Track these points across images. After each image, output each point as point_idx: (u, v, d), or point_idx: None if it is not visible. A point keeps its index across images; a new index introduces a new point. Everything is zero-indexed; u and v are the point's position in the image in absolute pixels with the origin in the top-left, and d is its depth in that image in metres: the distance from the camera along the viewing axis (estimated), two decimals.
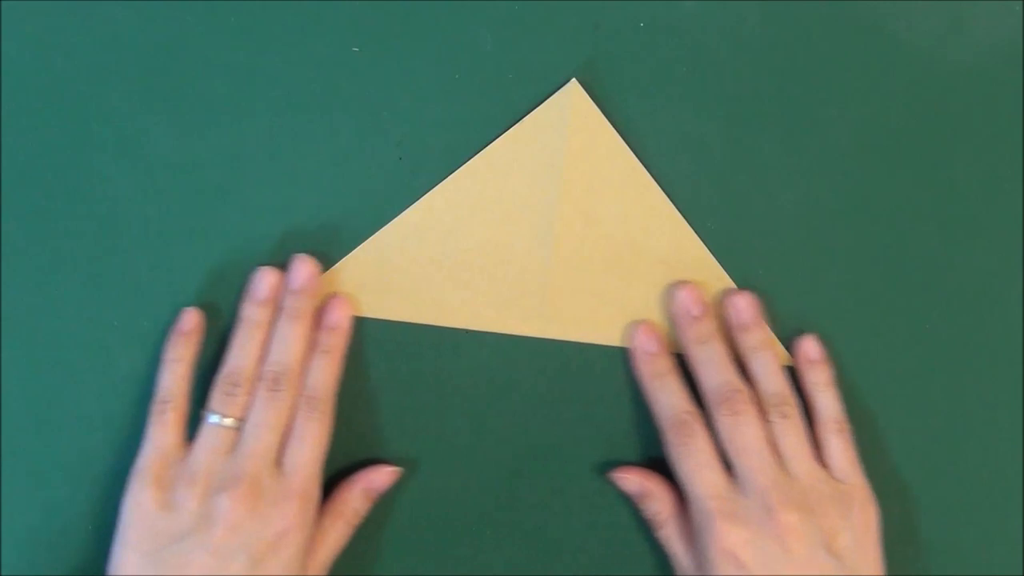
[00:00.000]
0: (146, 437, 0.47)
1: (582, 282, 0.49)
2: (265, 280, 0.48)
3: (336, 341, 0.49)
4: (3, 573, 0.49)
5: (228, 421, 0.46)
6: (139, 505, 0.45)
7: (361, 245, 0.49)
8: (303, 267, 0.48)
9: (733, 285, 0.50)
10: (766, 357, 0.48)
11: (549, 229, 0.48)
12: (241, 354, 0.48)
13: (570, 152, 0.47)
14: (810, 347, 0.49)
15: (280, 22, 0.50)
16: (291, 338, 0.48)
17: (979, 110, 0.51)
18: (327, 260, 0.50)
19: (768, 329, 0.49)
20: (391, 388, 0.50)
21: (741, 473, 0.46)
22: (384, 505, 0.50)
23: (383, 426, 0.50)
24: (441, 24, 0.50)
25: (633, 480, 0.49)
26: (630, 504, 0.50)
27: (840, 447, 0.48)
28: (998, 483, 0.50)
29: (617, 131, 0.48)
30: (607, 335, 0.50)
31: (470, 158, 0.49)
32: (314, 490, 0.46)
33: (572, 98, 0.47)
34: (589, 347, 0.50)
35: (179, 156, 0.50)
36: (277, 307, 0.48)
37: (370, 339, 0.50)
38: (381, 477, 0.49)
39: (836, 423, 0.48)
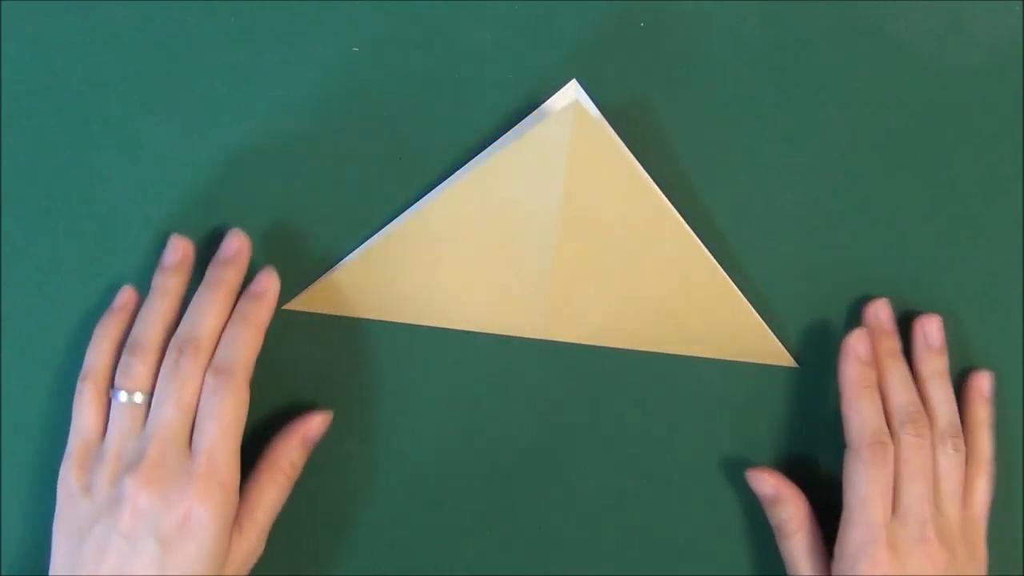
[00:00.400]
0: (72, 419, 0.45)
1: (584, 286, 0.49)
2: (174, 247, 0.47)
3: (258, 311, 0.46)
4: (3, 573, 0.49)
5: (137, 397, 0.44)
6: (62, 488, 0.45)
7: (363, 247, 0.49)
8: (235, 239, 0.47)
9: (734, 288, 0.49)
10: (946, 386, 0.48)
11: (551, 233, 0.48)
12: (142, 323, 0.45)
13: (571, 158, 0.46)
14: (984, 381, 0.50)
15: (280, 22, 0.50)
16: (206, 306, 0.45)
17: (979, 110, 0.51)
18: (326, 260, 0.50)
19: (946, 358, 0.49)
20: (391, 389, 0.50)
21: (907, 499, 0.45)
22: (384, 505, 0.50)
23: (384, 426, 0.50)
24: (441, 24, 0.50)
25: (769, 482, 0.48)
26: (632, 506, 0.50)
27: (984, 491, 0.48)
28: (998, 483, 0.50)
29: (617, 131, 0.48)
30: (610, 338, 0.50)
31: (470, 159, 0.49)
32: (226, 470, 0.43)
33: (574, 111, 0.46)
34: (591, 349, 0.50)
35: (179, 156, 0.50)
36: (187, 277, 0.47)
37: (371, 341, 0.50)
38: (315, 424, 0.47)
39: (988, 464, 0.48)
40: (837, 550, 0.46)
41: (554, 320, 0.49)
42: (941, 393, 0.48)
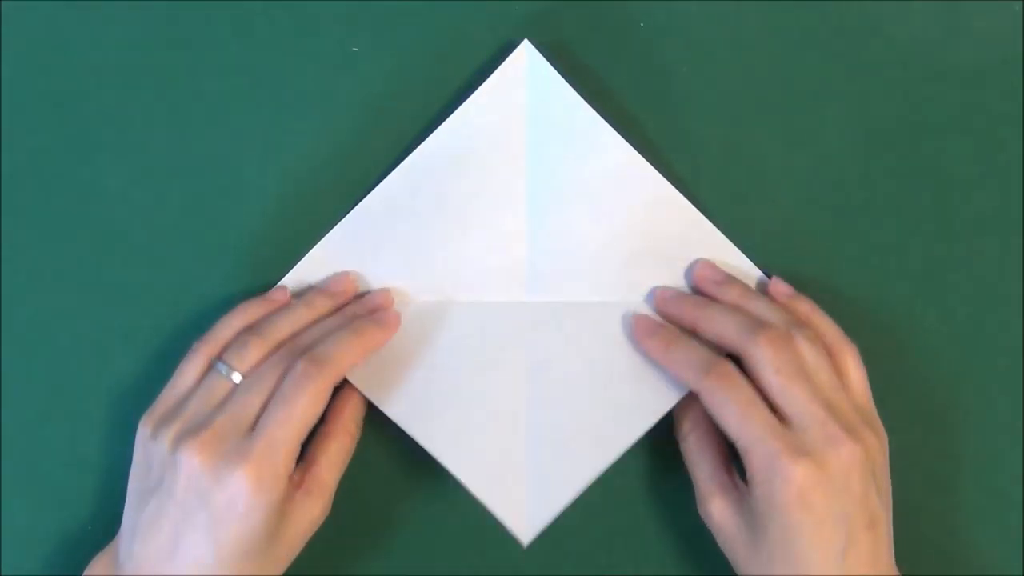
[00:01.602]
0: (177, 369, 0.46)
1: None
2: (342, 282, 0.48)
3: (373, 334, 0.46)
4: (3, 573, 0.49)
5: (235, 376, 0.44)
6: (139, 436, 0.45)
7: (337, 225, 0.49)
8: (383, 298, 0.48)
9: (711, 226, 0.49)
10: (758, 299, 0.47)
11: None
12: (277, 318, 0.46)
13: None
14: (781, 286, 0.48)
15: (280, 22, 0.50)
16: (342, 341, 0.45)
17: (979, 110, 0.51)
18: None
19: (739, 281, 0.48)
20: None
21: (794, 405, 0.43)
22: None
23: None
24: (441, 24, 0.50)
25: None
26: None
27: (856, 367, 0.46)
28: (998, 483, 0.50)
29: (617, 131, 0.48)
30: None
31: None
32: (282, 458, 0.42)
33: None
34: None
35: (179, 156, 0.50)
36: (335, 306, 0.48)
37: None
38: None
39: (847, 343, 0.46)
40: (749, 487, 0.43)
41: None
42: (761, 304, 0.46)
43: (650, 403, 0.47)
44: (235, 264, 0.50)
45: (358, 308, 0.48)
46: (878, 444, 0.44)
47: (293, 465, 0.43)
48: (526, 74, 0.47)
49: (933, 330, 0.51)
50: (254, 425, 0.43)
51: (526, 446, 0.48)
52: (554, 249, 0.49)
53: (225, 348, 0.46)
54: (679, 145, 0.50)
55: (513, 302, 0.49)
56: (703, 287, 0.48)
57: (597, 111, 0.48)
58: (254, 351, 0.45)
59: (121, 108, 0.50)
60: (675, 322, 0.48)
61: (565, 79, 0.48)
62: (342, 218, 0.49)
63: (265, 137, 0.50)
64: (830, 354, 0.46)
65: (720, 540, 0.45)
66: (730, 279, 0.48)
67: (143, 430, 0.45)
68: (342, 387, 0.47)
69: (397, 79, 0.50)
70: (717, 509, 0.44)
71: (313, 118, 0.50)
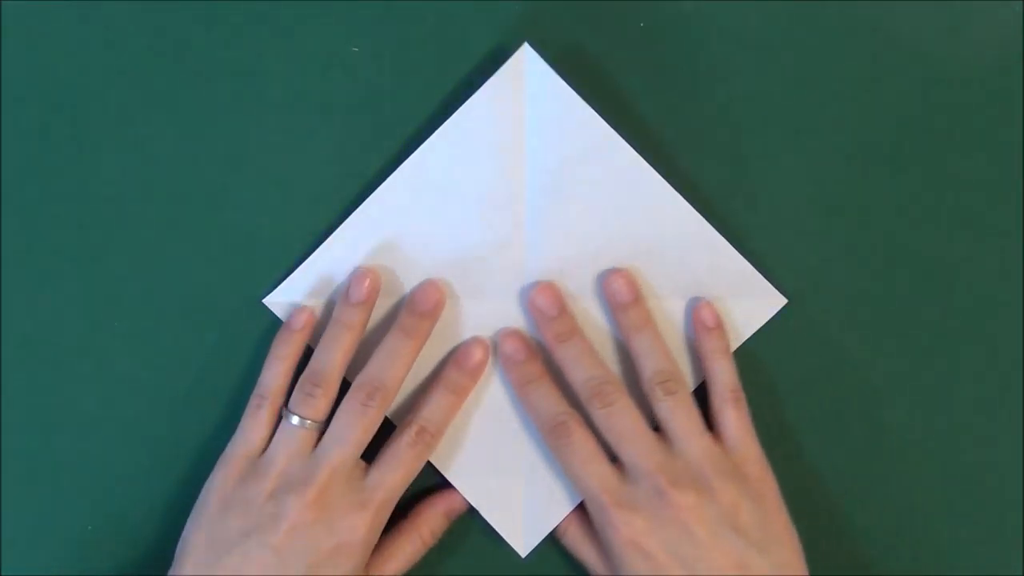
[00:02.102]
0: (239, 428, 0.47)
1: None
2: (363, 282, 0.48)
3: (466, 383, 0.48)
4: (3, 573, 0.49)
5: (308, 424, 0.45)
6: (215, 493, 0.46)
7: (337, 231, 0.49)
8: (433, 291, 0.48)
9: (711, 229, 0.49)
10: (647, 335, 0.47)
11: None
12: (325, 356, 0.47)
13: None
14: (707, 313, 0.48)
15: (280, 22, 0.50)
16: (399, 355, 0.47)
17: (979, 110, 0.51)
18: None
19: (647, 307, 0.48)
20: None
21: (627, 461, 0.45)
22: None
23: None
24: (441, 24, 0.50)
25: None
26: None
27: (734, 417, 0.47)
28: (998, 483, 0.50)
29: (617, 131, 0.48)
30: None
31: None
32: (388, 513, 0.46)
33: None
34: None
35: (179, 156, 0.50)
36: (370, 310, 0.48)
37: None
38: (460, 500, 0.49)
39: (732, 392, 0.47)
40: (596, 534, 0.46)
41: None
42: (645, 343, 0.47)
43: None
44: (235, 263, 0.50)
45: (417, 322, 0.47)
46: (739, 490, 0.45)
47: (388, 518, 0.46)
48: (526, 76, 0.47)
49: (933, 330, 0.51)
50: (354, 473, 0.45)
51: (524, 458, 0.49)
52: (553, 250, 0.49)
53: (288, 397, 0.47)
54: (679, 145, 0.50)
55: (513, 303, 0.49)
56: (609, 301, 0.49)
57: (597, 111, 0.48)
58: (323, 399, 0.46)
59: (121, 108, 0.50)
60: (543, 339, 0.48)
61: (565, 79, 0.48)
62: (342, 219, 0.49)
63: (265, 137, 0.50)
64: (713, 403, 0.47)
65: None
66: (634, 302, 0.48)
67: (222, 486, 0.46)
68: (433, 492, 0.49)
69: (397, 79, 0.50)
70: (592, 560, 0.47)
71: (313, 118, 0.50)
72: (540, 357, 0.48)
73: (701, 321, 0.48)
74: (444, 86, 0.50)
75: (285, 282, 0.49)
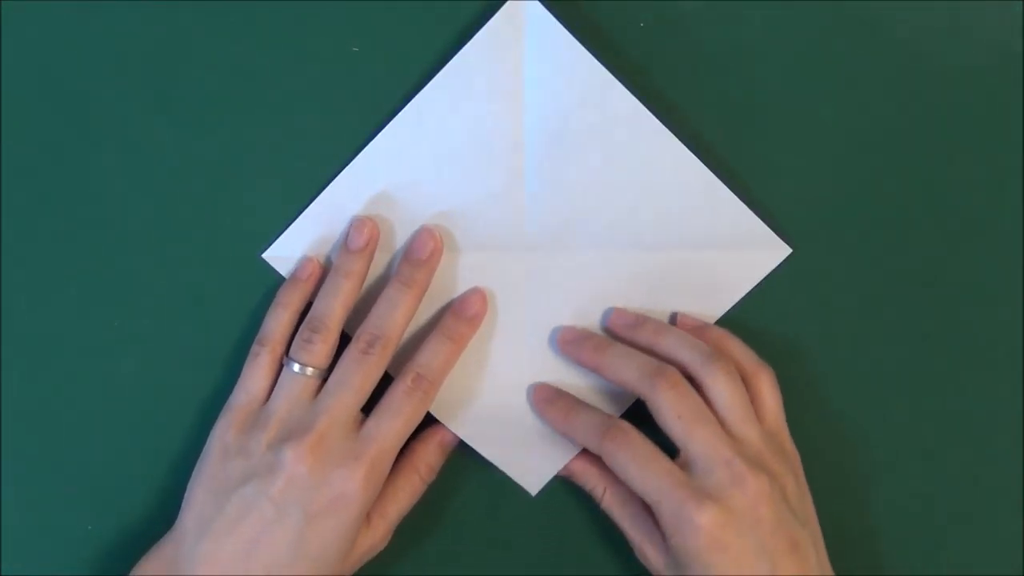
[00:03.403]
0: (240, 377, 0.47)
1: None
2: (362, 230, 0.47)
3: (464, 331, 0.48)
4: (3, 573, 0.49)
5: (308, 371, 0.45)
6: (217, 443, 0.46)
7: (333, 182, 0.49)
8: (429, 239, 0.48)
9: (712, 176, 0.49)
10: (670, 334, 0.47)
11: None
12: (324, 303, 0.47)
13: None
14: (685, 320, 0.49)
15: (280, 22, 0.50)
16: (399, 304, 0.46)
17: (979, 110, 0.51)
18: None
19: (654, 321, 0.48)
20: None
21: (697, 449, 0.43)
22: None
23: None
24: (441, 24, 0.50)
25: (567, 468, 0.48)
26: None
27: (769, 395, 0.46)
28: (998, 483, 0.50)
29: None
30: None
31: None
32: (387, 464, 0.45)
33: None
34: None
35: (179, 156, 0.50)
36: (370, 258, 0.48)
37: None
38: (452, 433, 0.49)
39: (758, 366, 0.47)
40: (665, 537, 0.44)
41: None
42: (672, 339, 0.47)
43: None
44: (235, 263, 0.50)
45: (414, 271, 0.47)
46: (787, 468, 0.45)
47: (389, 469, 0.45)
48: (523, 22, 0.46)
49: (933, 330, 0.51)
50: (356, 425, 0.45)
51: (529, 405, 0.49)
52: (553, 198, 0.49)
53: (288, 345, 0.47)
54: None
55: (512, 254, 0.49)
56: (616, 333, 0.49)
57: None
58: (322, 345, 0.46)
59: (121, 108, 0.50)
60: (583, 361, 0.48)
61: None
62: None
63: (265, 137, 0.50)
64: (744, 380, 0.46)
65: None
66: (641, 320, 0.48)
67: (223, 435, 0.46)
68: (424, 428, 0.48)
69: (397, 79, 0.50)
70: (651, 553, 0.45)
71: (313, 118, 0.50)
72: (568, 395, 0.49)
73: (687, 326, 0.49)
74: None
75: (283, 236, 0.49)
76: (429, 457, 0.48)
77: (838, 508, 0.50)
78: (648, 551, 0.45)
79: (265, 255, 0.49)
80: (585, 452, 0.48)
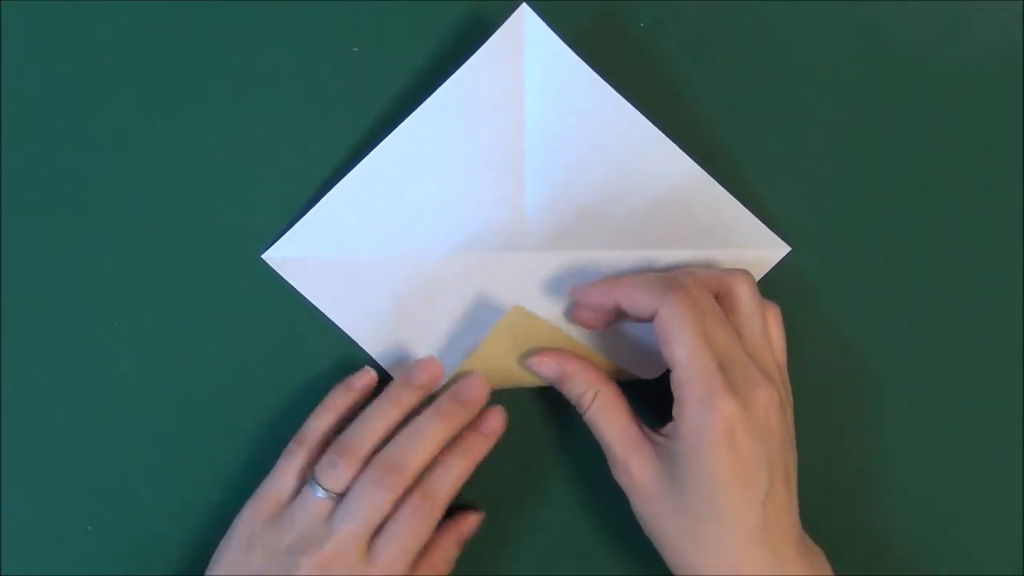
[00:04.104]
0: (274, 469, 0.47)
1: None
2: (427, 369, 0.47)
3: (482, 447, 0.47)
4: (3, 573, 0.49)
5: (324, 495, 0.45)
6: (245, 528, 0.46)
7: (335, 187, 0.49)
8: (478, 385, 0.47)
9: (712, 180, 0.49)
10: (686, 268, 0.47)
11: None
12: (363, 428, 0.46)
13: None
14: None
15: (280, 22, 0.50)
16: (429, 437, 0.46)
17: (979, 110, 0.51)
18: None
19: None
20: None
21: (718, 346, 0.43)
22: None
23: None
24: (441, 25, 0.50)
25: (550, 364, 0.47)
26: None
27: (777, 327, 0.46)
28: (998, 483, 0.50)
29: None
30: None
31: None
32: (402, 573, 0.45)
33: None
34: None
35: (179, 156, 0.50)
36: (424, 396, 0.47)
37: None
38: (469, 523, 0.49)
39: (770, 305, 0.46)
40: (676, 423, 0.43)
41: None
42: (689, 269, 0.46)
43: (649, 358, 0.48)
44: (235, 263, 0.50)
45: (456, 408, 0.47)
46: (788, 399, 0.45)
47: None
48: (524, 37, 0.47)
49: (932, 330, 0.51)
50: (366, 546, 0.45)
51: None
52: (555, 205, 0.49)
53: (323, 447, 0.46)
54: (679, 145, 0.50)
55: (512, 254, 0.49)
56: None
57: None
58: (345, 471, 0.45)
59: (121, 108, 0.50)
60: (601, 310, 0.47)
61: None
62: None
63: (265, 137, 0.50)
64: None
65: (639, 501, 0.44)
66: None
67: (251, 522, 0.46)
68: (442, 521, 0.47)
69: (397, 79, 0.50)
70: (636, 467, 0.44)
71: (313, 118, 0.50)
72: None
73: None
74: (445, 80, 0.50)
75: (283, 238, 0.49)
76: (447, 553, 0.48)
77: (838, 508, 0.50)
78: (634, 463, 0.44)
79: (265, 256, 0.49)
80: (576, 359, 0.47)
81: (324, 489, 0.45)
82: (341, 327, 0.49)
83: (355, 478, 0.45)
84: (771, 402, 0.43)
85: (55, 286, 0.50)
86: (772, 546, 0.42)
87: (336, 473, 0.45)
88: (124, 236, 0.50)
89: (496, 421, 0.47)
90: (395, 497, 0.45)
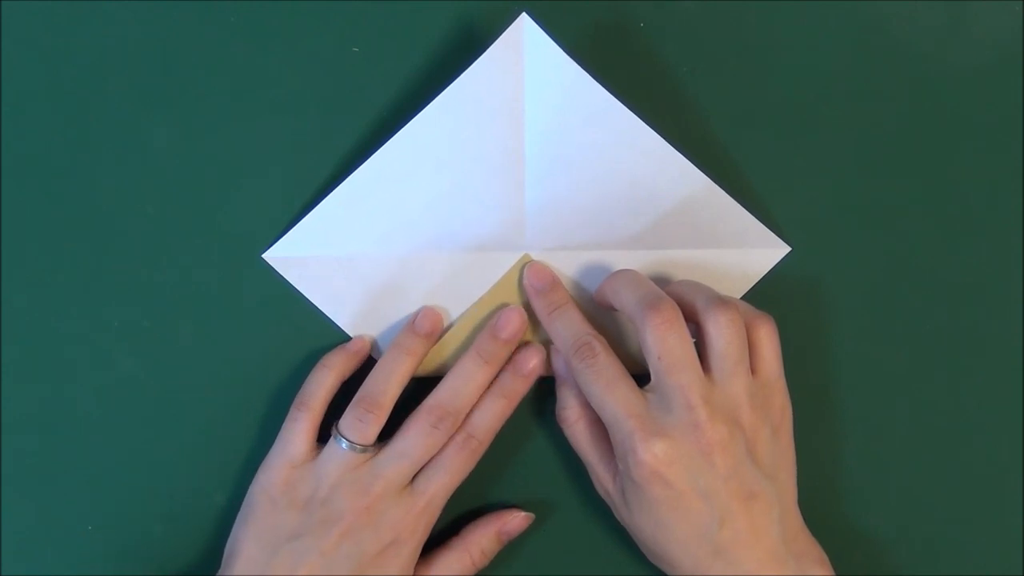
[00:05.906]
0: (280, 435, 0.47)
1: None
2: (428, 317, 0.48)
3: (520, 388, 0.48)
4: (3, 573, 0.49)
5: (358, 448, 0.46)
6: (263, 495, 0.46)
7: (337, 187, 0.49)
8: (518, 319, 0.48)
9: (711, 183, 0.49)
10: (682, 280, 0.47)
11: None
12: (382, 378, 0.47)
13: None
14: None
15: (280, 22, 0.50)
16: (472, 379, 0.47)
17: (979, 110, 0.51)
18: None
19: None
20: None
21: (666, 388, 0.43)
22: None
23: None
24: (441, 25, 0.50)
25: (560, 360, 0.48)
26: None
27: (769, 348, 0.45)
28: (998, 483, 0.50)
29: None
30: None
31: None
32: (435, 515, 0.47)
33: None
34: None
35: (179, 156, 0.50)
36: (431, 345, 0.48)
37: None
38: (516, 522, 0.49)
39: (761, 316, 0.46)
40: (617, 461, 0.45)
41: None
42: (682, 283, 0.47)
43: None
44: (235, 263, 0.50)
45: (496, 349, 0.48)
46: (763, 421, 0.44)
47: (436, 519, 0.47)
48: (524, 45, 0.47)
49: (932, 330, 0.51)
50: (406, 483, 0.46)
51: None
52: (555, 213, 0.49)
53: (326, 406, 0.47)
54: (679, 146, 0.50)
55: (512, 254, 0.49)
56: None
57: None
58: (375, 425, 0.46)
59: (121, 108, 0.50)
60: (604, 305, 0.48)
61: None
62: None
63: (265, 137, 0.50)
64: (745, 328, 0.45)
65: (613, 510, 0.47)
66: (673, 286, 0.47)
67: (269, 488, 0.46)
68: (487, 512, 0.49)
69: (397, 79, 0.50)
70: (603, 478, 0.46)
71: (313, 118, 0.50)
72: (562, 286, 0.49)
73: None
74: (445, 86, 0.50)
75: (284, 238, 0.49)
76: (484, 543, 0.48)
77: (837, 507, 0.50)
78: (606, 480, 0.46)
79: (266, 255, 0.49)
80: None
81: (350, 442, 0.46)
82: (341, 327, 0.50)
83: (379, 430, 0.46)
84: (712, 442, 0.43)
85: (55, 286, 0.50)
86: (737, 567, 0.43)
87: (364, 427, 0.46)
88: (124, 236, 0.50)
89: (535, 359, 0.48)
90: (444, 440, 0.46)
